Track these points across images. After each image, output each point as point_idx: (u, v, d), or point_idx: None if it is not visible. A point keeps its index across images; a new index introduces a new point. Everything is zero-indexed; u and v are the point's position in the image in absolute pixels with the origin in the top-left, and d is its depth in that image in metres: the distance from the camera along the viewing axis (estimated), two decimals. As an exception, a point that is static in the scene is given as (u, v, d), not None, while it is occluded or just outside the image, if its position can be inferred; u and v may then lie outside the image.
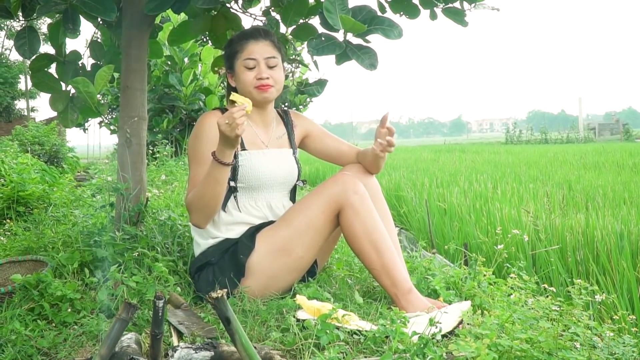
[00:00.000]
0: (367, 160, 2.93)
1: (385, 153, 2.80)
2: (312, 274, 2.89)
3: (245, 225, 2.79)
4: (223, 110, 2.86)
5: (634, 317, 3.06)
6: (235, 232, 2.77)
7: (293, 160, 2.96)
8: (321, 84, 3.61)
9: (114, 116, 12.54)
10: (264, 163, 2.81)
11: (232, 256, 2.69)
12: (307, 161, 15.01)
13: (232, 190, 2.79)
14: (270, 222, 2.79)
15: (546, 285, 3.04)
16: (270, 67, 2.78)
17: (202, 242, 2.80)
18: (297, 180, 2.99)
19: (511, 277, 2.90)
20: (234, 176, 2.78)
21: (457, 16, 3.20)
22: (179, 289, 2.71)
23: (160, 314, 1.72)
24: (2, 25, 28.99)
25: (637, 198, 6.87)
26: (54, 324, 2.41)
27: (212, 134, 2.72)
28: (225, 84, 2.99)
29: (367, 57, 2.91)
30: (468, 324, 2.31)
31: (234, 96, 2.49)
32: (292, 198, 3.02)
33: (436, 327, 2.07)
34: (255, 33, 2.83)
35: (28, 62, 3.51)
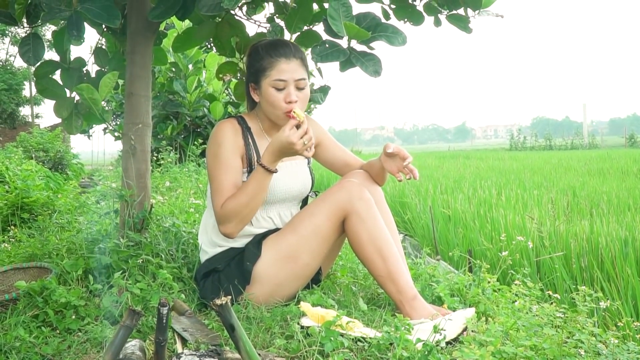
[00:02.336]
0: (373, 171, 2.92)
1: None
2: (317, 281, 2.89)
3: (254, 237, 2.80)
4: (238, 118, 2.85)
5: (639, 324, 3.05)
6: (242, 242, 2.78)
7: (307, 172, 2.96)
8: (324, 91, 3.61)
9: (118, 123, 12.59)
10: (280, 178, 2.79)
11: (239, 263, 2.69)
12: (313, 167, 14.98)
13: None
14: (276, 230, 2.79)
15: (550, 292, 3.04)
16: (299, 89, 2.74)
17: (209, 250, 2.80)
18: (310, 192, 2.99)
19: (515, 284, 2.90)
20: None
21: (461, 23, 3.20)
22: (183, 295, 2.71)
23: (164, 320, 1.72)
24: (7, 32, 29.14)
25: (642, 204, 6.85)
26: (58, 331, 2.41)
27: (233, 142, 2.74)
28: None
29: (371, 64, 2.90)
30: (472, 331, 2.30)
31: (298, 113, 2.53)
32: (302, 207, 3.01)
33: (440, 334, 2.06)
34: (287, 51, 2.75)
35: (32, 68, 3.52)
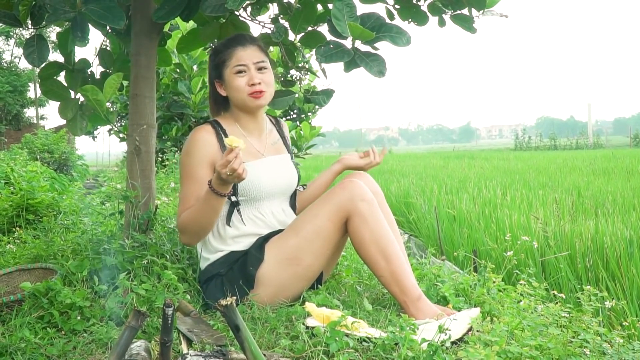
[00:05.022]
0: (321, 186, 3.14)
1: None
2: (319, 281, 2.88)
3: (252, 236, 2.77)
4: (213, 124, 2.84)
5: (644, 324, 3.04)
6: (242, 245, 2.76)
7: (292, 165, 2.97)
8: (327, 94, 3.60)
9: (123, 124, 12.58)
10: (264, 173, 2.79)
11: (241, 268, 2.68)
12: (302, 168, 14.98)
13: (234, 205, 2.77)
14: (277, 231, 2.78)
15: (555, 292, 3.04)
16: (261, 72, 2.79)
17: (209, 255, 2.78)
18: (297, 186, 3.00)
19: (520, 284, 2.89)
20: (234, 191, 2.75)
21: (466, 23, 3.20)
22: (188, 296, 2.71)
23: (169, 321, 1.72)
24: (12, 34, 29.18)
25: (647, 204, 6.84)
26: (63, 332, 2.41)
27: (203, 151, 2.73)
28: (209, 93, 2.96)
29: (376, 64, 2.90)
30: (477, 330, 2.30)
31: (229, 140, 2.41)
32: (292, 203, 3.02)
33: (445, 334, 2.06)
34: (241, 39, 2.83)
35: (37, 70, 3.53)
